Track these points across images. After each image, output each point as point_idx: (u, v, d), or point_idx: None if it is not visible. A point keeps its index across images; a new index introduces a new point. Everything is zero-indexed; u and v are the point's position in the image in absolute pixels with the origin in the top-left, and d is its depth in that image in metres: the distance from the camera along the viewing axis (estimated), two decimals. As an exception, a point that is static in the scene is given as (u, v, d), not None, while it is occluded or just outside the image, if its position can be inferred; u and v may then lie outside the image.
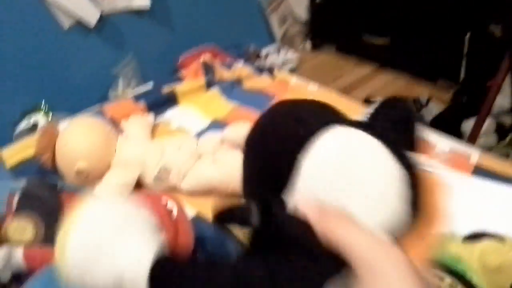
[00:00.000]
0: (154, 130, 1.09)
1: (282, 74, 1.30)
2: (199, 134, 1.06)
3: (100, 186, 0.86)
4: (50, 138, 0.89)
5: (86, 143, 0.87)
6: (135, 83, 1.52)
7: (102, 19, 1.41)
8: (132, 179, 0.86)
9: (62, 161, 0.87)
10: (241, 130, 0.87)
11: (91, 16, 1.37)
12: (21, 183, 0.75)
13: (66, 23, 1.34)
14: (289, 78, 1.28)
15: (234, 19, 1.87)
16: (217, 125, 1.09)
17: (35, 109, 1.33)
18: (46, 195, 0.75)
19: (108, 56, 1.52)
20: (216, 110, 1.15)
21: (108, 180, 0.87)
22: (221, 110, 1.14)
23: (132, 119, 1.09)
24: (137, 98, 1.18)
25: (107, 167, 0.89)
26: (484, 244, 0.54)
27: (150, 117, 1.11)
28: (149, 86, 1.32)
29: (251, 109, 1.13)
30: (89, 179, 0.87)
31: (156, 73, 1.45)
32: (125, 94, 1.39)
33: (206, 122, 1.10)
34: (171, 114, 1.17)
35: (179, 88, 1.20)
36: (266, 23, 2.05)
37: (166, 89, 1.20)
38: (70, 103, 1.26)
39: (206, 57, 1.36)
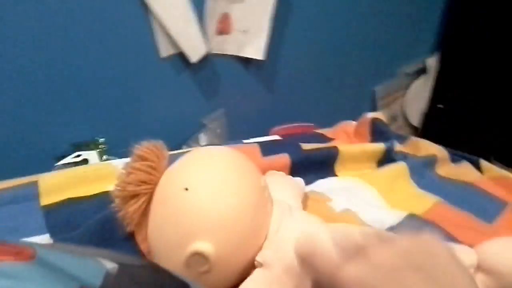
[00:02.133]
0: (303, 205, 0.61)
1: (491, 167, 0.81)
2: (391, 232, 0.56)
3: None
4: (153, 169, 0.43)
5: (228, 203, 0.41)
6: (219, 142, 1.29)
7: (206, 58, 1.18)
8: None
9: (167, 226, 0.41)
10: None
11: (195, 51, 1.13)
12: (108, 263, 0.26)
13: (166, 51, 1.12)
14: (506, 175, 0.79)
15: (340, 104, 1.55)
16: (416, 223, 0.61)
17: (90, 144, 1.07)
18: None
19: (197, 100, 1.29)
20: (409, 199, 0.67)
21: None
22: (417, 202, 0.66)
23: (275, 176, 0.62)
24: (266, 148, 0.71)
25: (248, 261, 0.42)
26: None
27: (300, 181, 0.64)
28: (274, 137, 0.87)
29: (462, 212, 0.64)
30: (208, 278, 0.40)
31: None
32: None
33: (397, 215, 0.61)
34: (327, 186, 0.68)
35: (344, 149, 0.72)
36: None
37: (316, 147, 0.72)
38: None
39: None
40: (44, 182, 0.58)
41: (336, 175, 0.72)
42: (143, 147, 0.44)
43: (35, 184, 0.58)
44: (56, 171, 0.61)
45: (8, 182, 0.58)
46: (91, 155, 1.02)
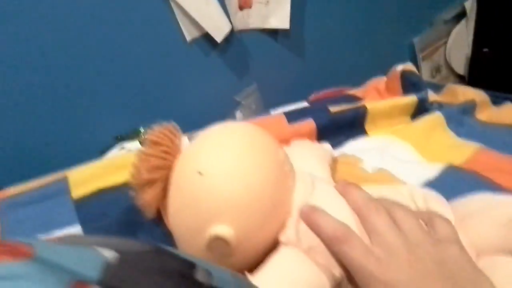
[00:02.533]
0: (333, 171, 0.58)
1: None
2: (428, 186, 0.53)
3: (258, 280, 0.35)
4: (166, 154, 0.42)
5: (243, 184, 0.38)
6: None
7: (232, 36, 1.15)
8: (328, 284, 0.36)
9: (185, 211, 0.40)
10: None
11: (220, 31, 1.11)
12: (107, 252, 0.25)
13: (190, 34, 1.10)
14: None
15: (377, 62, 1.41)
16: (455, 175, 0.56)
17: (132, 135, 1.05)
18: None
19: (229, 79, 1.26)
20: (448, 150, 0.62)
21: (277, 270, 0.37)
22: (456, 151, 0.61)
23: (299, 145, 0.59)
24: (292, 116, 0.68)
25: (271, 240, 0.40)
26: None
27: (327, 146, 0.61)
28: (302, 104, 0.84)
29: (507, 156, 0.59)
30: (232, 260, 0.39)
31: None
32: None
33: (434, 168, 0.57)
34: (357, 147, 0.65)
35: (373, 106, 0.68)
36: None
37: (341, 108, 0.69)
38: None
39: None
40: (73, 175, 0.59)
41: (367, 135, 0.69)
42: (156, 132, 0.43)
43: (65, 179, 0.59)
44: (85, 164, 0.62)
45: (39, 181, 0.60)
46: (134, 145, 1.03)
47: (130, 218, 0.49)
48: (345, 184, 0.42)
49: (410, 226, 0.37)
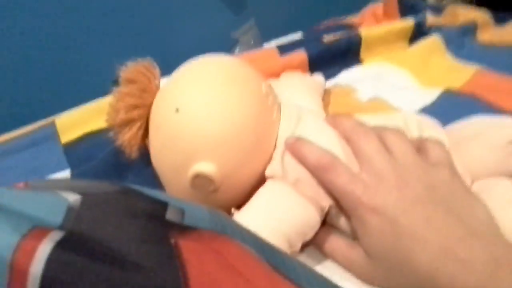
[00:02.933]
0: (325, 102, 0.56)
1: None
2: (424, 113, 0.51)
3: (243, 215, 0.35)
4: (143, 92, 0.40)
5: (223, 119, 0.37)
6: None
7: None
8: (316, 215, 0.35)
9: (165, 151, 0.39)
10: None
11: None
12: (70, 196, 0.24)
13: None
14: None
15: None
16: (452, 99, 0.54)
17: None
18: (134, 234, 0.23)
19: (225, 16, 1.23)
20: (446, 73, 0.60)
21: (263, 204, 0.36)
22: (454, 74, 0.59)
23: (288, 78, 0.57)
24: (284, 49, 0.65)
25: (258, 175, 0.39)
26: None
27: (318, 77, 0.59)
28: (297, 35, 0.80)
29: (508, 76, 0.57)
30: (218, 197, 0.38)
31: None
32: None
33: (431, 93, 0.55)
34: (351, 76, 0.63)
35: (367, 32, 0.65)
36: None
37: (335, 37, 0.66)
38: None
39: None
40: (60, 121, 0.58)
41: (362, 63, 0.66)
42: (131, 69, 0.40)
43: (52, 124, 0.58)
44: (72, 109, 0.61)
45: (28, 127, 0.59)
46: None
47: (118, 160, 0.48)
48: (335, 116, 0.41)
49: (401, 150, 0.35)
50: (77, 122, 0.58)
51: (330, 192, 0.35)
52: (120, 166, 0.49)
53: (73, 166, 0.52)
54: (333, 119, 0.40)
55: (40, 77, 1.04)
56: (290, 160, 0.38)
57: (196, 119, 0.37)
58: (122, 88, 0.40)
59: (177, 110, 0.37)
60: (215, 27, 1.24)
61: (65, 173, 0.52)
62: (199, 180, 0.37)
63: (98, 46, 1.08)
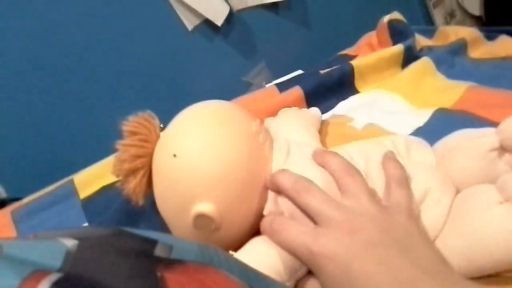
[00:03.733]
0: (323, 133, 0.59)
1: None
2: (418, 133, 0.53)
3: (244, 254, 0.38)
4: (145, 142, 0.43)
5: (217, 160, 0.40)
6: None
7: (232, 17, 1.15)
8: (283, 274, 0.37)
9: (166, 195, 0.42)
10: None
11: (219, 14, 1.11)
12: (68, 241, 0.27)
13: (191, 23, 1.12)
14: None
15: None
16: (444, 118, 0.56)
17: None
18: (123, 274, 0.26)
19: (236, 61, 1.26)
20: (437, 94, 0.62)
21: (260, 246, 0.39)
22: (446, 94, 0.60)
23: (284, 114, 0.60)
24: (283, 87, 0.68)
25: (256, 210, 0.41)
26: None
27: (314, 110, 0.61)
28: (297, 72, 0.84)
29: (499, 90, 0.58)
30: (220, 235, 0.41)
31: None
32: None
33: (424, 114, 0.57)
34: (347, 106, 0.65)
35: (358, 62, 0.68)
36: (428, 19, 1.53)
37: (330, 72, 0.69)
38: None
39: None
40: (78, 178, 0.62)
41: (358, 92, 0.69)
42: (132, 122, 0.44)
43: (71, 182, 0.62)
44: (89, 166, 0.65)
45: (49, 187, 0.63)
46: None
47: (130, 210, 0.52)
48: (322, 152, 0.43)
49: (355, 194, 0.36)
50: (93, 177, 0.62)
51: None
52: (132, 216, 0.52)
53: (90, 220, 0.56)
54: (321, 157, 0.42)
55: (57, 137, 1.08)
56: (282, 197, 0.40)
57: (192, 162, 0.40)
58: (125, 140, 0.43)
59: (174, 155, 0.40)
60: (227, 73, 1.27)
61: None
62: (201, 220, 0.39)
63: (114, 105, 1.12)
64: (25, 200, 0.62)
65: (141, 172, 0.43)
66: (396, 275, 0.30)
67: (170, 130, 0.44)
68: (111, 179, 0.60)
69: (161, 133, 0.45)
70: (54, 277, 0.21)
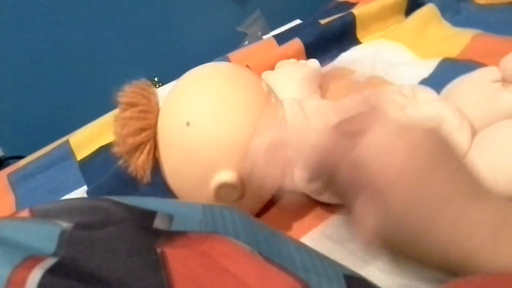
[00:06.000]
0: (323, 87, 0.57)
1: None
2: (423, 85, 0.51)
3: None
4: (146, 113, 0.40)
5: (234, 125, 0.37)
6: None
7: None
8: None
9: (182, 167, 0.39)
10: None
11: None
12: (63, 223, 0.25)
13: None
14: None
15: None
16: (450, 67, 0.54)
17: None
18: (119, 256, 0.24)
19: (230, 10, 1.22)
20: (443, 43, 0.59)
21: None
22: (452, 43, 0.58)
23: (282, 68, 0.58)
24: (282, 39, 0.65)
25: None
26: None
27: (313, 62, 0.59)
28: (295, 22, 0.80)
29: (507, 37, 0.56)
30: (243, 204, 0.39)
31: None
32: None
33: (429, 65, 0.55)
34: (349, 58, 0.63)
35: (360, 11, 0.65)
36: None
37: (331, 22, 0.66)
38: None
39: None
40: (74, 139, 0.61)
41: (360, 43, 0.66)
42: (128, 92, 0.40)
43: (67, 143, 0.60)
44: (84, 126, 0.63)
45: (44, 149, 0.62)
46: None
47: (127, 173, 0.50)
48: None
49: None
50: (90, 138, 0.61)
51: None
52: (131, 178, 0.51)
53: (88, 182, 0.55)
54: None
55: (51, 96, 1.07)
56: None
57: (208, 129, 0.37)
58: (124, 113, 0.39)
59: (187, 124, 0.37)
60: (221, 22, 1.24)
61: (82, 190, 0.54)
62: (223, 190, 0.37)
63: (105, 53, 1.10)
64: (21, 162, 0.61)
65: (147, 146, 0.39)
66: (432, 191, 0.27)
67: (177, 96, 0.40)
68: (107, 139, 0.59)
69: (165, 98, 0.41)
70: (47, 263, 0.20)
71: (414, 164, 0.27)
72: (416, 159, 0.27)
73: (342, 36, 0.65)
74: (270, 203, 0.43)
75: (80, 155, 0.59)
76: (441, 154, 0.28)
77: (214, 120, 0.37)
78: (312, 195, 0.41)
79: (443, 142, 0.29)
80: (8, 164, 0.70)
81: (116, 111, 0.40)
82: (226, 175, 0.37)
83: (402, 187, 0.27)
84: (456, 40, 0.58)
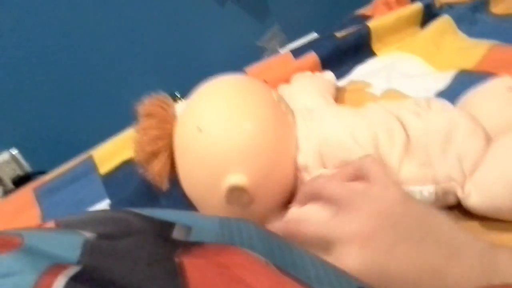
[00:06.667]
0: (339, 100, 0.58)
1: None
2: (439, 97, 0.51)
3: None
4: (163, 123, 0.42)
5: (243, 130, 0.39)
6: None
7: None
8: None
9: (194, 172, 0.41)
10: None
11: None
12: (87, 233, 0.27)
13: None
14: None
15: None
16: (467, 79, 0.53)
17: None
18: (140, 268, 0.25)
19: (249, 25, 1.25)
20: (459, 54, 0.59)
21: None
22: (468, 54, 0.58)
23: (298, 80, 0.59)
24: (298, 53, 0.67)
25: (286, 179, 0.41)
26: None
27: (328, 74, 0.60)
28: (312, 36, 0.81)
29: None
30: (254, 208, 0.40)
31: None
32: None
33: (445, 77, 0.55)
34: (365, 71, 0.63)
35: (375, 23, 0.65)
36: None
37: (346, 33, 0.67)
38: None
39: None
40: (97, 153, 0.63)
41: (375, 55, 0.67)
42: (146, 105, 0.43)
43: (90, 158, 0.62)
44: (108, 141, 0.65)
45: (67, 165, 0.64)
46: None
47: (150, 186, 0.52)
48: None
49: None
50: (112, 152, 0.62)
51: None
52: (152, 192, 0.52)
53: (111, 196, 0.56)
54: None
55: (69, 114, 1.10)
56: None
57: (220, 134, 0.38)
58: (143, 123, 0.42)
59: (199, 129, 0.39)
60: (241, 37, 1.26)
61: (105, 204, 0.56)
62: (234, 193, 0.38)
63: (127, 69, 1.12)
64: (47, 177, 0.63)
65: (164, 154, 0.41)
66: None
67: (190, 105, 0.43)
68: (130, 153, 0.60)
69: (181, 110, 0.43)
70: (71, 271, 0.21)
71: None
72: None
73: (358, 49, 0.66)
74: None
75: (103, 169, 0.61)
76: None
77: (224, 125, 0.39)
78: None
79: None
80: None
81: (136, 123, 0.42)
82: (237, 178, 0.38)
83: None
84: (472, 51, 0.58)
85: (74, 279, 0.21)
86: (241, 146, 0.38)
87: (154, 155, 0.41)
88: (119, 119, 0.82)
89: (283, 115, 0.42)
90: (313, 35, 0.84)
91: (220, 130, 0.39)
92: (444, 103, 0.45)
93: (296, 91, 0.54)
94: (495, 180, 0.35)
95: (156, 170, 0.42)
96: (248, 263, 0.26)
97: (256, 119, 0.39)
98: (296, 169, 0.41)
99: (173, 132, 0.42)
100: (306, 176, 0.40)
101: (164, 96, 0.44)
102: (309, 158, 0.40)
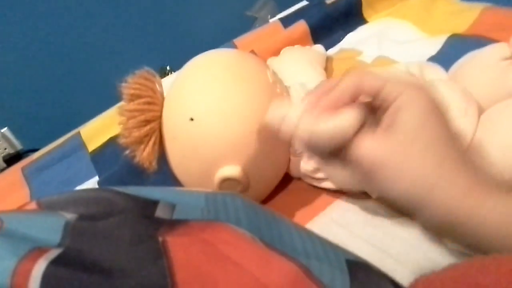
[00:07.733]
0: (329, 70, 0.56)
1: None
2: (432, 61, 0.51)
3: None
4: (151, 105, 0.39)
5: (237, 120, 0.37)
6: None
7: None
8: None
9: (186, 160, 0.40)
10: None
11: None
12: (68, 214, 0.26)
13: None
14: None
15: None
16: (458, 43, 0.52)
17: (159, 73, 0.95)
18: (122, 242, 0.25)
19: None
20: (450, 18, 0.58)
21: None
22: (460, 18, 0.57)
23: (288, 54, 0.57)
24: (287, 22, 0.65)
25: (281, 164, 0.41)
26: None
27: (319, 47, 0.59)
28: (302, 3, 0.79)
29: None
30: (250, 193, 0.40)
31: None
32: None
33: (436, 42, 0.54)
34: (356, 38, 0.62)
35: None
36: None
37: (336, 2, 0.65)
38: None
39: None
40: (85, 131, 0.62)
41: (366, 22, 0.65)
42: (132, 83, 0.39)
43: (78, 135, 0.61)
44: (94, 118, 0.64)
45: (56, 142, 0.63)
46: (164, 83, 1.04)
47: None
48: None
49: None
50: (100, 129, 0.61)
51: None
52: (140, 168, 0.51)
53: (100, 173, 0.56)
54: None
55: (60, 91, 1.08)
56: None
57: (213, 125, 0.37)
58: (129, 105, 0.39)
59: (191, 119, 0.37)
60: (231, 7, 1.23)
61: (94, 181, 0.55)
62: (226, 183, 0.37)
63: (115, 44, 1.10)
64: (35, 155, 0.62)
65: (153, 139, 0.39)
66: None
67: (180, 90, 0.40)
68: (117, 130, 0.59)
69: (171, 93, 0.40)
70: (52, 254, 0.21)
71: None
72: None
73: (348, 16, 0.64)
74: (276, 190, 0.44)
75: (91, 146, 0.60)
76: None
77: (217, 116, 0.37)
78: (315, 183, 0.41)
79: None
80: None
81: (121, 103, 0.40)
82: (230, 170, 0.37)
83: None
84: (464, 14, 0.57)
85: (54, 262, 0.20)
86: (234, 138, 0.37)
87: (141, 139, 0.39)
88: (109, 96, 0.81)
89: (278, 99, 0.40)
90: (303, 3, 0.82)
91: (213, 120, 0.37)
92: (438, 69, 0.44)
93: (286, 64, 0.53)
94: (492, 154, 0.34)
95: (144, 155, 0.39)
96: (234, 239, 0.26)
97: (250, 108, 0.37)
98: (290, 153, 0.40)
99: (161, 114, 0.40)
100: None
101: (150, 73, 0.41)
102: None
